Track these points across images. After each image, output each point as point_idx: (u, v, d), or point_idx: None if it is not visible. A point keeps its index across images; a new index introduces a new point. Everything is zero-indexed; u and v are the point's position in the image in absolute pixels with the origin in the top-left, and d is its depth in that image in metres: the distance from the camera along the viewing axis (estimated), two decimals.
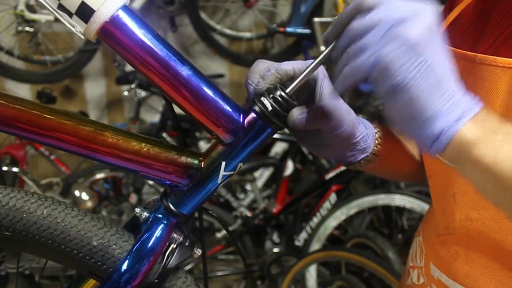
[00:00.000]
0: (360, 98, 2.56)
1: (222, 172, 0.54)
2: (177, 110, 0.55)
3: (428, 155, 0.63)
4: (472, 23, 0.61)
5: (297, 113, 0.52)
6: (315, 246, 2.11)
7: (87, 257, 0.56)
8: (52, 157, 2.62)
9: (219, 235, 2.38)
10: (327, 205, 2.17)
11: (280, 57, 2.65)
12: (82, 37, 0.47)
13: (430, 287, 0.68)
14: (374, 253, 1.96)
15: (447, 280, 0.64)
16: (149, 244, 0.55)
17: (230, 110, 0.52)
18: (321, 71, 0.54)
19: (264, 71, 0.54)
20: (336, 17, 0.47)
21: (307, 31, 2.25)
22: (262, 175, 2.49)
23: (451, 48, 0.58)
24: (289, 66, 0.54)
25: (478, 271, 0.60)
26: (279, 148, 2.46)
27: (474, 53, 0.57)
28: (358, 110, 2.52)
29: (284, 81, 0.54)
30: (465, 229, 0.60)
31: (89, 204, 2.30)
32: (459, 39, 0.61)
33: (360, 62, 0.43)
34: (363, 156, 0.63)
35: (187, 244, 0.58)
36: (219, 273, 2.38)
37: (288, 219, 2.42)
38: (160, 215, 0.56)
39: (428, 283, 0.69)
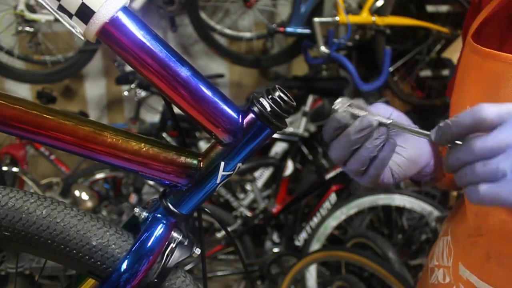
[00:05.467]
0: (360, 98, 2.57)
1: (221, 172, 0.54)
2: (176, 110, 0.55)
3: None
4: (502, 23, 0.61)
5: (367, 181, 0.56)
6: (315, 246, 2.11)
7: (87, 257, 0.56)
8: (52, 157, 2.62)
9: (219, 235, 2.38)
10: (327, 205, 2.17)
11: (280, 57, 2.65)
12: (82, 38, 0.48)
13: (457, 287, 0.68)
14: (374, 253, 1.96)
15: (477, 281, 0.64)
16: (149, 244, 0.55)
17: (229, 110, 0.52)
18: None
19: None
20: (449, 122, 0.47)
21: (307, 31, 2.25)
22: (262, 175, 2.49)
23: (482, 48, 0.58)
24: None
25: (510, 272, 0.59)
26: (279, 148, 2.47)
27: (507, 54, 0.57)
28: None
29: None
30: (499, 230, 0.60)
31: (89, 204, 2.30)
32: (488, 39, 0.61)
33: (502, 189, 0.44)
34: (426, 178, 0.65)
35: (186, 243, 0.58)
36: (219, 273, 2.38)
37: (288, 219, 2.42)
38: (159, 215, 0.56)
39: (455, 282, 0.68)
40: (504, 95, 0.56)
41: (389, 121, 0.53)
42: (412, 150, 0.59)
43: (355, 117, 0.53)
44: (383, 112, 0.57)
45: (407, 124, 0.53)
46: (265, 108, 0.52)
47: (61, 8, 0.46)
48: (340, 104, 0.53)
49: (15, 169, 2.41)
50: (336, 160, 0.56)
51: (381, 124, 0.53)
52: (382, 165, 0.56)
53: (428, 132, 0.50)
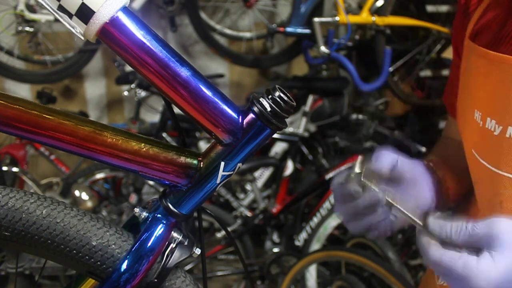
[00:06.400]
0: (360, 98, 2.57)
1: (221, 172, 0.54)
2: (176, 110, 0.55)
3: (473, 161, 0.64)
4: (494, 23, 0.61)
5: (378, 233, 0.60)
6: (315, 246, 2.11)
7: (87, 257, 0.56)
8: (52, 157, 2.63)
9: (219, 235, 2.38)
10: (327, 205, 2.17)
11: (280, 57, 2.65)
12: (82, 38, 0.48)
13: None
14: (374, 253, 1.96)
15: None
16: (149, 244, 0.55)
17: (229, 110, 0.52)
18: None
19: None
20: (462, 226, 0.49)
21: (307, 31, 2.25)
22: (262, 175, 2.49)
23: (489, 52, 0.58)
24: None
25: None
26: (279, 148, 2.47)
27: (499, 54, 0.57)
28: (358, 110, 2.53)
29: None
30: None
31: (89, 204, 2.31)
32: (483, 40, 0.61)
33: None
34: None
35: (186, 243, 0.58)
36: (219, 273, 2.38)
37: (288, 219, 2.42)
38: (159, 215, 0.56)
39: None
40: None
41: (394, 203, 0.55)
42: (413, 201, 0.61)
43: (365, 188, 0.57)
44: (390, 162, 0.59)
45: (406, 212, 0.55)
46: (265, 108, 0.52)
47: (61, 8, 0.46)
48: (356, 175, 0.57)
49: (15, 169, 2.42)
50: (339, 216, 0.61)
51: (387, 203, 0.56)
52: (378, 235, 0.60)
53: (421, 223, 0.52)
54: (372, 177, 0.57)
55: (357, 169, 0.57)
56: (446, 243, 0.50)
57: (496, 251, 0.47)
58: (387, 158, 0.59)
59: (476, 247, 0.48)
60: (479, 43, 0.61)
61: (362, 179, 0.56)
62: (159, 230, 0.56)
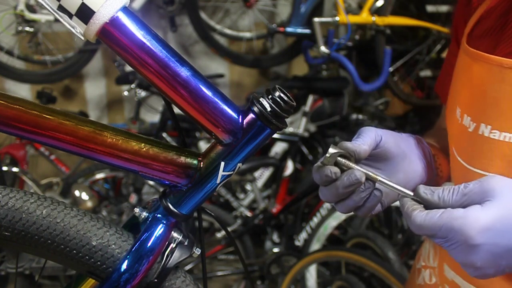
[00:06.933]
0: (360, 98, 2.57)
1: (221, 172, 0.54)
2: (176, 110, 0.55)
3: (452, 158, 0.65)
4: (494, 24, 0.61)
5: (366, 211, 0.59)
6: (315, 246, 2.11)
7: (87, 257, 0.56)
8: (52, 157, 2.62)
9: (219, 235, 2.38)
10: (327, 205, 2.17)
11: (280, 57, 2.65)
12: (82, 38, 0.48)
13: (442, 287, 0.68)
14: (374, 253, 1.96)
15: (461, 282, 0.64)
16: (149, 244, 0.55)
17: (229, 110, 0.52)
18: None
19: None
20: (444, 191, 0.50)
21: (307, 31, 2.25)
22: (262, 175, 2.49)
23: (471, 49, 0.58)
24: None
25: None
26: (279, 148, 2.47)
27: (499, 57, 0.57)
28: (358, 110, 2.53)
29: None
30: None
31: (89, 204, 2.31)
32: (482, 40, 0.61)
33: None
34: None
35: (186, 243, 0.58)
36: (219, 273, 2.38)
37: (288, 219, 2.42)
38: (159, 215, 0.56)
39: (441, 283, 0.69)
40: (490, 99, 0.56)
41: (376, 178, 0.55)
42: (402, 176, 0.60)
43: (344, 168, 0.56)
44: (372, 138, 0.58)
45: (392, 182, 0.55)
46: (265, 108, 0.52)
47: (61, 8, 0.46)
48: (331, 155, 0.56)
49: (15, 169, 2.42)
50: (325, 201, 0.60)
51: (368, 178, 0.55)
52: (368, 212, 0.59)
53: (410, 193, 0.53)
54: (350, 156, 0.56)
55: (332, 150, 0.55)
56: (438, 207, 0.49)
57: (486, 203, 0.46)
58: (368, 134, 0.58)
59: (468, 205, 0.48)
60: (473, 42, 0.61)
61: (338, 159, 0.55)
62: (159, 230, 0.56)
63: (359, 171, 0.54)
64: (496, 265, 0.47)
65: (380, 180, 0.55)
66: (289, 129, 2.36)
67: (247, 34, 2.70)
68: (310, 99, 2.33)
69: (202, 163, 0.55)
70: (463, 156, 0.61)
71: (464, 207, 0.48)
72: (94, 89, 2.91)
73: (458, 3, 0.71)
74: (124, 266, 0.55)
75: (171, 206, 0.55)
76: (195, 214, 0.61)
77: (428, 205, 0.50)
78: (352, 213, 0.62)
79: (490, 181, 0.47)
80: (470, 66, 0.60)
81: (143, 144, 0.53)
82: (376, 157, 0.60)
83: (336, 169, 0.55)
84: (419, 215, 0.49)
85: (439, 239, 0.49)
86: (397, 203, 0.56)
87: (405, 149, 0.62)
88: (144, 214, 0.57)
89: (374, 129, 0.59)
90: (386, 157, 0.60)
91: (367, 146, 0.57)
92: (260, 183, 2.48)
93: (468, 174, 0.60)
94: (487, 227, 0.45)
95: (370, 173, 0.55)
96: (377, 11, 2.18)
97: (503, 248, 0.46)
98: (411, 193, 0.52)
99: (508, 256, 0.46)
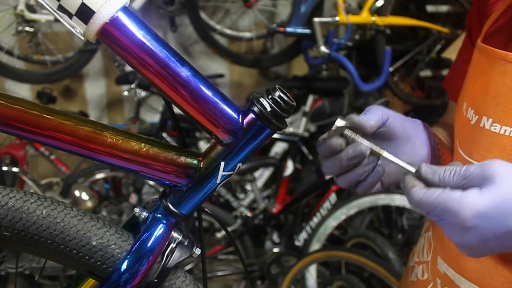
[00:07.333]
0: (360, 98, 2.57)
1: (221, 172, 0.54)
2: (176, 110, 0.55)
3: (455, 151, 0.65)
4: (509, 21, 0.61)
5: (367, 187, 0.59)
6: (315, 246, 2.11)
7: (87, 257, 0.56)
8: (52, 157, 2.62)
9: (219, 235, 2.38)
10: (327, 205, 2.17)
11: (280, 57, 2.65)
12: (82, 38, 0.48)
13: (434, 282, 0.69)
14: (374, 253, 1.96)
15: (453, 274, 0.65)
16: (149, 244, 0.55)
17: (229, 110, 0.52)
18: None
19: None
20: (452, 169, 0.50)
21: (307, 31, 2.25)
22: (262, 175, 2.49)
23: (483, 45, 0.59)
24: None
25: (486, 267, 0.60)
26: (279, 148, 2.47)
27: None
28: (358, 110, 2.53)
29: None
30: None
31: (89, 204, 2.31)
32: (494, 37, 0.62)
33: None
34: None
35: (186, 243, 0.58)
36: (219, 273, 2.38)
37: (288, 219, 2.42)
38: (159, 215, 0.56)
39: (433, 278, 0.69)
40: (493, 92, 0.57)
41: (381, 152, 0.55)
42: (404, 158, 0.60)
43: (349, 141, 0.56)
44: (379, 116, 0.58)
45: (396, 158, 0.55)
46: (265, 108, 0.52)
47: (61, 8, 0.46)
48: (338, 128, 0.56)
49: (15, 169, 2.41)
50: (327, 174, 0.60)
51: (372, 152, 0.56)
52: (369, 187, 0.59)
53: (412, 169, 0.53)
54: (356, 130, 0.56)
55: (339, 123, 0.56)
56: (438, 186, 0.50)
57: (485, 188, 0.47)
58: (376, 112, 0.59)
59: (467, 188, 0.48)
60: (487, 40, 0.62)
61: (344, 132, 0.56)
62: (159, 230, 0.56)
63: (364, 144, 0.55)
64: (485, 247, 0.48)
65: (384, 155, 0.55)
66: (289, 129, 2.36)
67: (247, 34, 2.70)
68: (310, 99, 2.33)
69: (202, 163, 0.55)
70: (464, 148, 0.62)
71: (463, 189, 0.48)
72: (94, 89, 2.91)
73: (472, 8, 0.71)
74: (124, 266, 0.55)
75: (171, 206, 0.55)
76: (195, 214, 0.61)
77: (429, 184, 0.51)
78: (352, 188, 0.63)
79: (491, 166, 0.48)
80: (478, 61, 0.61)
81: (143, 144, 0.53)
82: (380, 136, 0.61)
83: (341, 141, 0.56)
84: (418, 192, 0.50)
85: (434, 217, 0.50)
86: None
87: (410, 132, 0.63)
88: (144, 214, 0.57)
89: (382, 108, 0.60)
90: (390, 137, 0.61)
91: (373, 122, 0.57)
92: (260, 183, 2.48)
93: None
94: (481, 213, 0.46)
95: (375, 148, 0.55)
96: (377, 11, 2.18)
97: (494, 233, 0.47)
98: (413, 169, 0.53)
99: (498, 240, 0.47)
